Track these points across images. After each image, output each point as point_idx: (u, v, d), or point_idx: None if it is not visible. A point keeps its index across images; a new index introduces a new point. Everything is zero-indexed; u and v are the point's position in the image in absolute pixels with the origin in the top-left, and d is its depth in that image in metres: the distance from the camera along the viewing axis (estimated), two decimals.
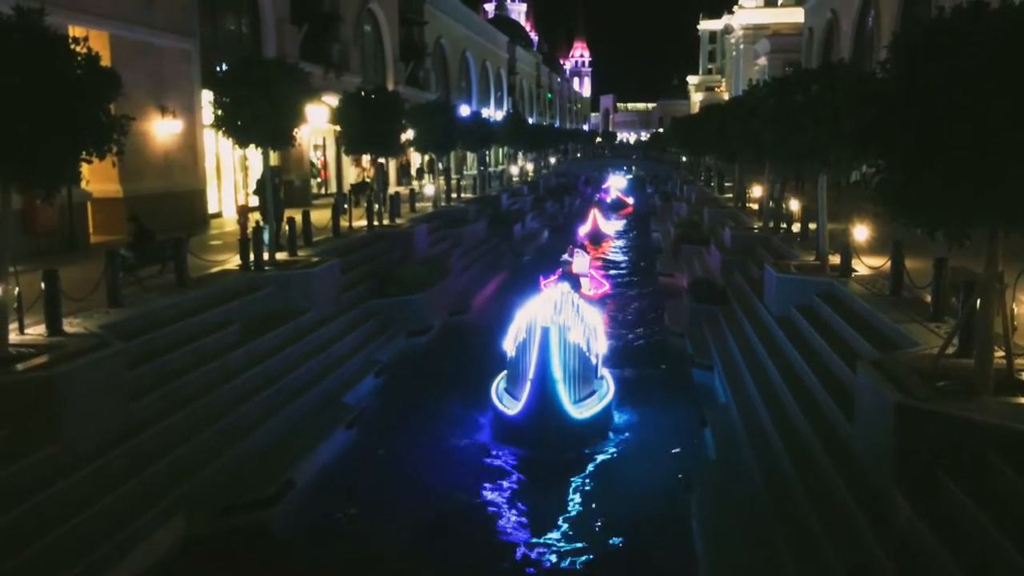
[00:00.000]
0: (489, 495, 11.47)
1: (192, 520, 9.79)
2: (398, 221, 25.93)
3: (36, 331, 10.45)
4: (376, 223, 24.13)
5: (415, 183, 40.24)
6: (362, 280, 19.90)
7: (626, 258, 35.26)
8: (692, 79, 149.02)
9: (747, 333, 16.47)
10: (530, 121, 77.88)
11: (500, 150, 65.59)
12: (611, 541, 10.16)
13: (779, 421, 11.80)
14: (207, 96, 16.80)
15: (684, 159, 67.78)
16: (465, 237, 29.46)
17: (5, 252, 9.42)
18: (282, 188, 21.62)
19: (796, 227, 21.16)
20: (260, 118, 15.43)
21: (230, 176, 27.51)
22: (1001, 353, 8.46)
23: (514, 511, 10.99)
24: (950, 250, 8.25)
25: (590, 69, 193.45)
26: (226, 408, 11.98)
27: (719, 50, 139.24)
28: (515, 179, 54.52)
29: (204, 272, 15.26)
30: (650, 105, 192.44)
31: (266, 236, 16.57)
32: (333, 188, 35.93)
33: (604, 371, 14.77)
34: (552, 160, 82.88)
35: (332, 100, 27.07)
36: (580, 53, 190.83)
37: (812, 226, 18.78)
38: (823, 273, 15.19)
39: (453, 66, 61.70)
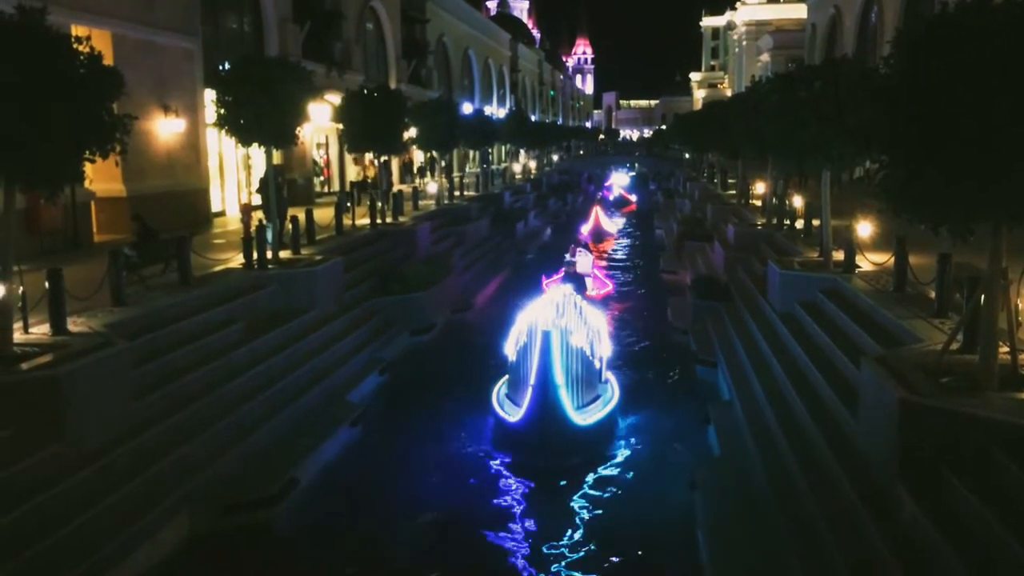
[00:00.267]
0: (492, 496, 11.44)
1: (196, 519, 9.82)
2: (401, 219, 25.92)
3: (40, 330, 10.46)
4: (379, 221, 24.16)
5: (418, 181, 40.25)
6: (365, 278, 19.89)
7: (629, 255, 35.21)
8: (695, 76, 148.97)
9: (751, 330, 16.45)
10: (533, 118, 77.81)
11: (503, 148, 65.56)
12: (615, 543, 10.09)
13: (783, 417, 11.79)
14: (210, 95, 16.83)
15: (687, 156, 67.78)
16: (468, 235, 29.45)
17: (9, 251, 9.44)
18: (285, 187, 21.58)
19: (800, 223, 21.11)
20: (263, 117, 15.44)
21: (233, 175, 27.53)
22: (1006, 349, 8.44)
23: (516, 512, 10.96)
24: (954, 246, 8.24)
25: (592, 66, 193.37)
26: (230, 407, 11.98)
27: (722, 47, 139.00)
28: (518, 177, 54.52)
29: (207, 271, 15.28)
30: (653, 102, 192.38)
31: (269, 235, 16.60)
32: (336, 186, 35.94)
33: (609, 375, 14.45)
34: (555, 157, 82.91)
35: (334, 98, 27.05)
36: (583, 50, 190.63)
37: (816, 222, 18.76)
38: (827, 269, 15.16)
39: (455, 64, 61.66)
